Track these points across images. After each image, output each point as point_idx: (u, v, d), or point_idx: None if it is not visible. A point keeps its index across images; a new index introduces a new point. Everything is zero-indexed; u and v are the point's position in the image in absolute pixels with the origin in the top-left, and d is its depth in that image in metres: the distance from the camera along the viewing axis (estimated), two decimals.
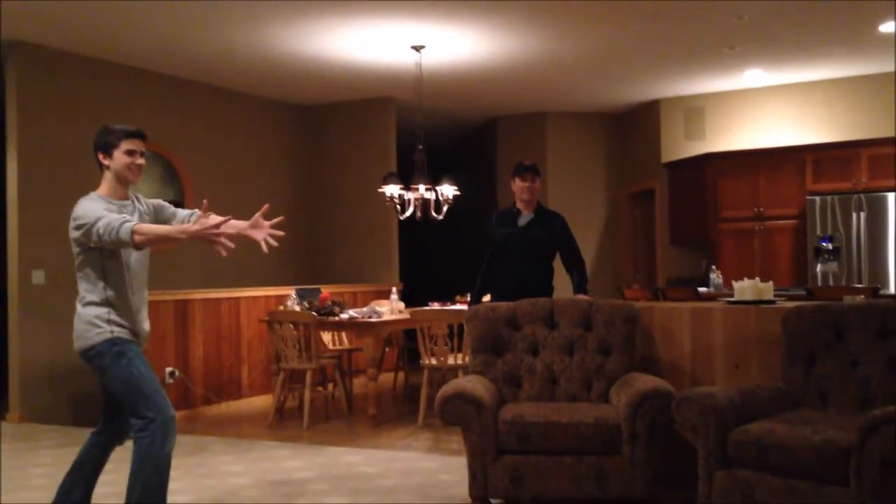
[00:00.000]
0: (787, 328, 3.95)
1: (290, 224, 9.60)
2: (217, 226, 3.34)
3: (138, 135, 3.58)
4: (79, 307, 3.55)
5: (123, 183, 3.59)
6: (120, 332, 3.53)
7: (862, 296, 5.98)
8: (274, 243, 3.60)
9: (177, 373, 6.99)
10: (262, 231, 3.63)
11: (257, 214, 3.63)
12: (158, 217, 3.75)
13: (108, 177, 3.58)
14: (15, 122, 6.93)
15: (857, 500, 3.02)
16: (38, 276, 6.92)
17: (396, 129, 9.52)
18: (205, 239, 3.35)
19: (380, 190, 7.35)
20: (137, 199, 3.74)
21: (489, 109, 10.25)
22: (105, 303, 3.52)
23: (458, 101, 9.62)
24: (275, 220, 3.66)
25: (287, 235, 10.47)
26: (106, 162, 3.56)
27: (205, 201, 3.42)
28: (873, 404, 3.52)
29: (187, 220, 3.73)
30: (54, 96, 7.14)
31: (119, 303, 3.55)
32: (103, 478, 3.86)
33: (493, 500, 3.91)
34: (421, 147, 7.44)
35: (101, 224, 3.35)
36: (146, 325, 3.70)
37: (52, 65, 7.14)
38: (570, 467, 3.75)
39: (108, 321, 3.51)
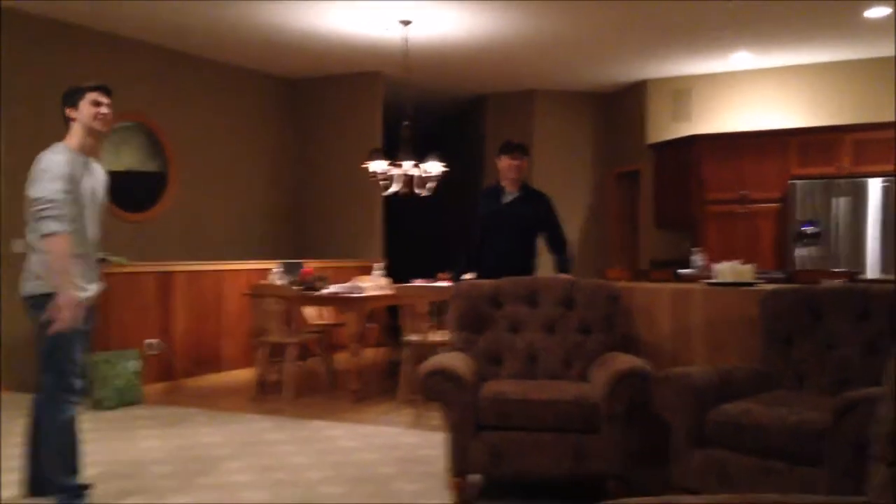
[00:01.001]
0: (765, 310, 4.00)
1: (275, 198, 9.61)
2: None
3: (103, 88, 3.73)
4: (30, 252, 3.66)
5: (93, 135, 3.73)
6: None
7: (840, 280, 6.03)
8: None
9: (158, 344, 6.98)
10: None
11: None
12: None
13: (76, 129, 3.71)
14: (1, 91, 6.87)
15: (829, 481, 3.07)
16: (18, 245, 6.86)
17: (383, 104, 9.48)
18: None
19: (364, 165, 7.33)
20: (103, 177, 3.89)
21: (477, 86, 10.21)
22: None
23: (445, 78, 9.59)
24: None
25: (271, 209, 10.48)
26: (73, 114, 3.69)
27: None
28: (849, 386, 3.56)
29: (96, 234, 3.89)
30: (38, 65, 7.05)
31: (73, 263, 3.63)
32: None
33: (472, 476, 3.95)
34: (407, 123, 7.42)
35: (48, 196, 3.50)
36: (94, 287, 3.78)
37: (37, 33, 7.05)
38: (549, 444, 3.79)
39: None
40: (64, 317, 3.51)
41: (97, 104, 3.68)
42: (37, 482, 3.83)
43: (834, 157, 8.24)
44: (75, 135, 3.71)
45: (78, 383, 3.67)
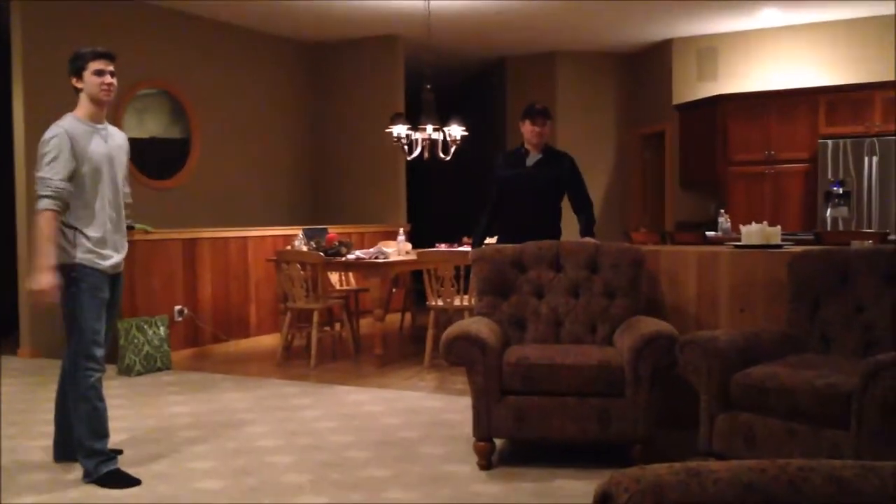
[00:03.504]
0: (792, 272, 3.95)
1: (298, 164, 9.61)
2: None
3: (105, 55, 3.75)
4: (61, 225, 3.70)
5: (98, 104, 3.75)
6: (83, 259, 3.66)
7: (870, 241, 5.94)
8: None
9: (185, 311, 7.05)
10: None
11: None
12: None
13: (82, 99, 3.75)
14: (20, 56, 6.87)
15: (855, 443, 3.04)
16: None
17: (404, 68, 9.41)
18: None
19: (387, 130, 7.29)
20: (124, 141, 3.93)
21: (498, 49, 10.10)
22: (76, 227, 3.67)
23: (466, 40, 9.48)
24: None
25: (294, 175, 10.48)
26: (79, 85, 3.73)
27: None
28: (877, 349, 3.53)
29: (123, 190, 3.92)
30: (60, 31, 7.04)
31: (91, 231, 3.68)
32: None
33: (496, 440, 3.97)
34: (429, 87, 7.36)
35: (45, 175, 3.56)
36: (119, 254, 3.81)
37: None
38: (573, 409, 3.79)
39: (75, 245, 3.67)
40: (37, 299, 3.58)
41: (100, 73, 3.69)
42: (65, 447, 3.90)
43: (864, 115, 8.08)
44: (82, 105, 3.74)
45: (99, 351, 3.71)
